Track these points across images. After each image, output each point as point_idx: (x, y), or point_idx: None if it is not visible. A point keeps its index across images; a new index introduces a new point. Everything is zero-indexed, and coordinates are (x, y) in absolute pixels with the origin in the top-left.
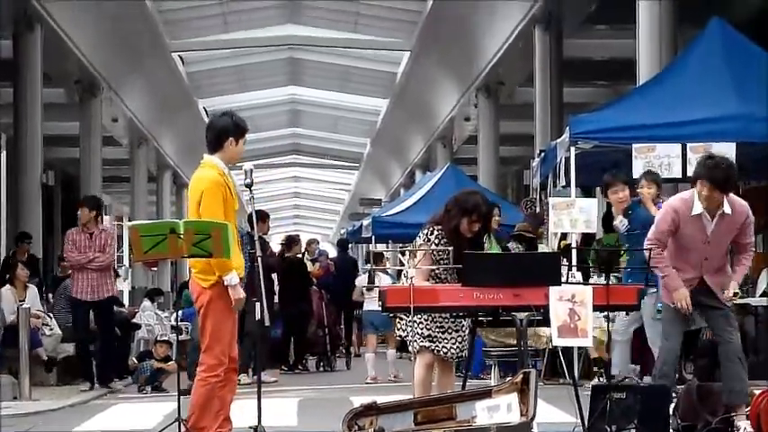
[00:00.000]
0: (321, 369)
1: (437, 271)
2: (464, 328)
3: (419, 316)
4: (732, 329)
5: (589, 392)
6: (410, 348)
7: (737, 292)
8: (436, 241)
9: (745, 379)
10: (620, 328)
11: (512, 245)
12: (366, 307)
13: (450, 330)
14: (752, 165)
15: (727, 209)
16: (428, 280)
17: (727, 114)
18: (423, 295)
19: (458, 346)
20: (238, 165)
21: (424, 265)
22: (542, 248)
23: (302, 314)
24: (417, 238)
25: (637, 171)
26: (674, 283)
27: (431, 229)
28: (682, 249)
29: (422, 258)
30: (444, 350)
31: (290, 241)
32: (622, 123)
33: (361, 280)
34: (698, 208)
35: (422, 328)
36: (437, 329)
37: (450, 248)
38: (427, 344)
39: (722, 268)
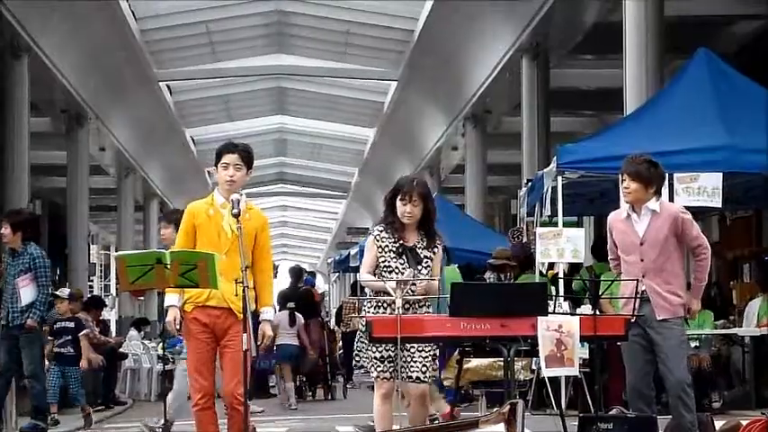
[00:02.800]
0: (329, 398)
1: (381, 266)
2: (427, 349)
3: None
4: (671, 361)
5: (576, 423)
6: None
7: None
8: (380, 229)
9: (686, 414)
10: None
11: (488, 275)
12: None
13: (409, 350)
14: (739, 195)
15: (653, 206)
16: (374, 273)
17: (715, 145)
18: (409, 325)
19: (420, 368)
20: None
21: (368, 256)
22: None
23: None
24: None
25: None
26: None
27: (374, 229)
28: (622, 255)
29: (368, 249)
30: (405, 372)
31: (299, 272)
32: (609, 153)
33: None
34: (624, 208)
35: (378, 351)
36: (393, 350)
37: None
38: (383, 367)
39: (664, 271)
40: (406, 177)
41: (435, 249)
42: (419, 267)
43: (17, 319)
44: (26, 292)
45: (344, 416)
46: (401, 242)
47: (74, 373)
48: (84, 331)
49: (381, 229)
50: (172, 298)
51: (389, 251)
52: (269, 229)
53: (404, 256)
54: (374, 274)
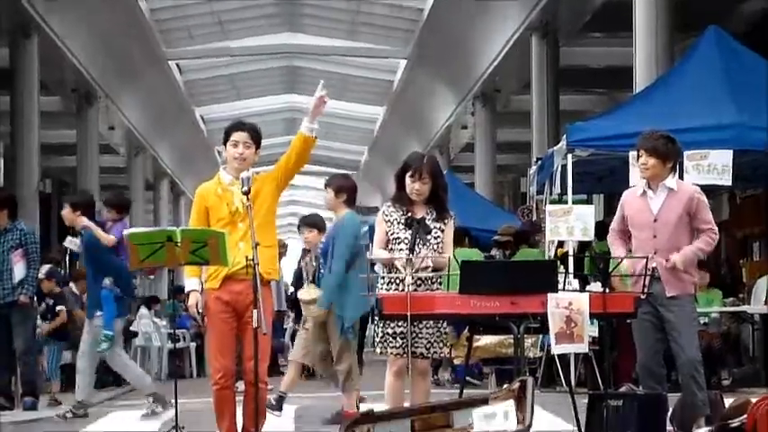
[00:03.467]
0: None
1: (391, 240)
2: (435, 325)
3: None
4: (683, 339)
5: (586, 400)
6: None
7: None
8: (388, 204)
9: (697, 392)
10: None
11: (494, 252)
12: None
13: (418, 325)
14: (749, 173)
15: (670, 183)
16: (385, 248)
17: (725, 122)
18: (420, 303)
19: (424, 345)
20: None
21: (379, 230)
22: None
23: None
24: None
25: (633, 179)
26: (618, 251)
27: (383, 206)
28: (634, 231)
29: (377, 224)
30: (414, 348)
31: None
32: (619, 131)
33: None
34: (641, 185)
35: (389, 326)
36: (405, 326)
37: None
38: (395, 343)
39: (675, 249)
40: (416, 153)
41: (446, 221)
42: (428, 238)
43: (9, 295)
44: (19, 268)
45: None
46: (410, 214)
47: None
48: (59, 308)
49: (389, 204)
50: (192, 282)
51: (398, 223)
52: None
53: (412, 227)
54: (386, 250)
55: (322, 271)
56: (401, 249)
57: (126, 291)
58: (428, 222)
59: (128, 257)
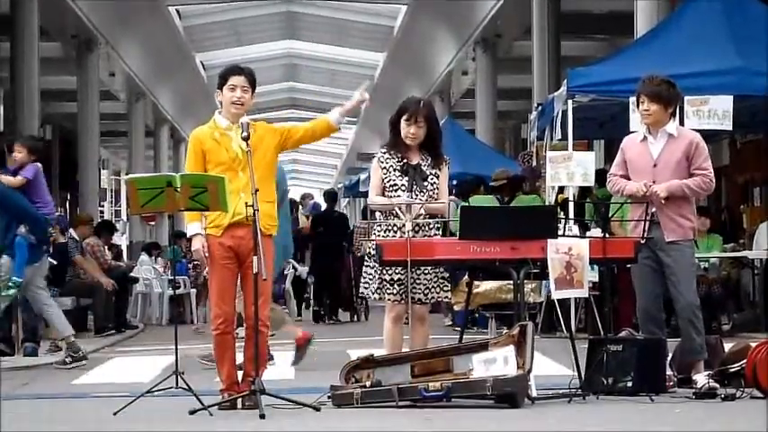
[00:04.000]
0: (355, 320)
1: (387, 186)
2: (432, 270)
3: None
4: (682, 284)
5: (586, 345)
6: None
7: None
8: (383, 151)
9: (695, 337)
10: None
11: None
12: None
13: (416, 271)
14: (750, 118)
15: (670, 129)
16: (382, 195)
17: (726, 68)
18: (419, 248)
19: (422, 291)
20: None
21: (375, 177)
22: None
23: (336, 269)
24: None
25: (634, 125)
26: (626, 183)
27: (377, 152)
28: (633, 176)
29: (373, 171)
30: (413, 294)
31: (335, 195)
32: (620, 77)
33: None
34: (641, 131)
35: (387, 273)
36: (403, 273)
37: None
38: (393, 290)
39: (674, 197)
40: (412, 98)
41: (441, 167)
42: (424, 184)
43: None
44: None
45: (357, 339)
46: (405, 161)
47: None
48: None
49: (384, 150)
50: (194, 226)
51: (394, 170)
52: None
53: (408, 174)
54: (383, 196)
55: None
56: (398, 196)
57: (41, 239)
58: (424, 168)
59: (128, 202)
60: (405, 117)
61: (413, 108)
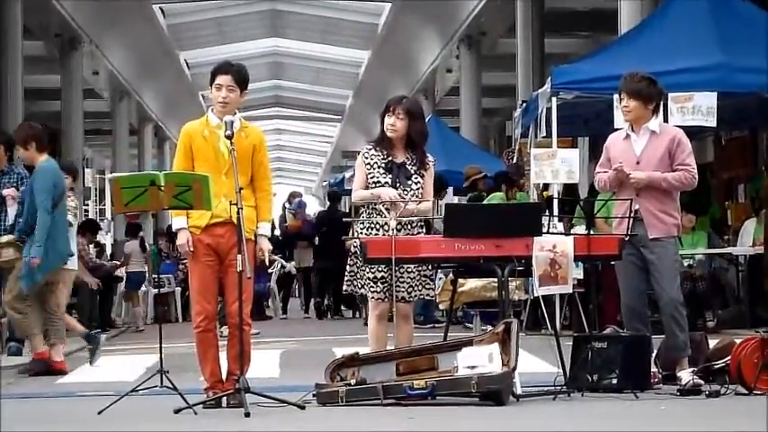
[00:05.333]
0: (357, 316)
1: (371, 183)
2: (416, 269)
3: None
4: (665, 280)
5: (571, 343)
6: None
7: (637, 178)
8: (368, 147)
9: (678, 333)
10: None
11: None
12: None
13: (400, 269)
14: (734, 115)
15: (653, 126)
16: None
17: (709, 64)
18: (404, 246)
19: (406, 289)
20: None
21: (359, 173)
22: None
23: (339, 267)
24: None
25: (618, 122)
26: (606, 175)
27: (363, 148)
28: None
29: (358, 167)
30: (397, 292)
31: (338, 195)
32: (604, 74)
33: None
34: (624, 128)
35: (370, 272)
36: (386, 270)
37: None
38: (377, 288)
39: (658, 191)
40: (398, 95)
41: (427, 167)
42: (408, 182)
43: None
44: (13, 211)
45: (342, 337)
46: (390, 158)
47: None
48: None
49: (370, 147)
50: (180, 221)
51: (378, 167)
52: (267, 147)
53: (392, 172)
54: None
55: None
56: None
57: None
58: (408, 167)
59: (112, 201)
60: (389, 111)
61: (394, 101)
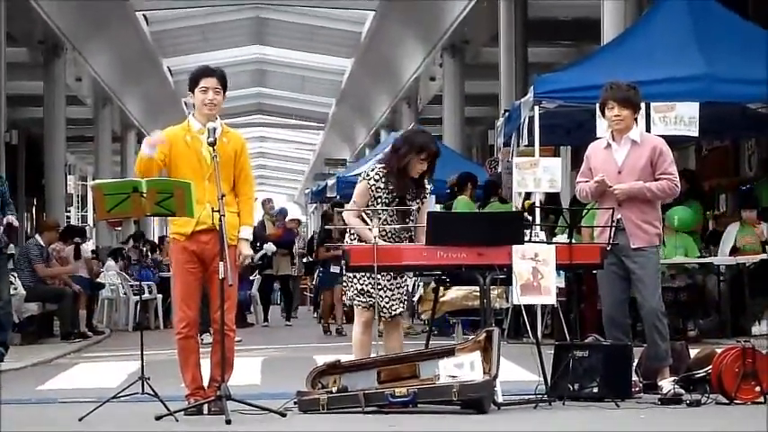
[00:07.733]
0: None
1: (379, 212)
2: (401, 287)
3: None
4: (647, 289)
5: (552, 351)
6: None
7: (620, 190)
8: (377, 178)
9: (660, 342)
10: None
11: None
12: None
13: (384, 288)
14: (716, 125)
15: (634, 135)
16: (359, 217)
17: (692, 74)
18: (386, 254)
19: (391, 304)
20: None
21: (360, 202)
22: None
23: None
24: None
25: (600, 131)
26: (587, 185)
27: (373, 167)
28: None
29: (360, 195)
30: (379, 307)
31: (331, 217)
32: (586, 83)
33: None
34: (606, 137)
35: (359, 283)
36: (372, 285)
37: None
38: (363, 299)
39: (640, 200)
40: (429, 136)
41: (424, 199)
42: (407, 220)
43: None
44: None
45: (324, 345)
46: (393, 194)
47: None
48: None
49: (378, 177)
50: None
51: (381, 202)
52: (248, 152)
53: (392, 208)
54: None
55: None
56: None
57: None
58: (408, 203)
59: (94, 207)
60: (422, 156)
61: (433, 148)
